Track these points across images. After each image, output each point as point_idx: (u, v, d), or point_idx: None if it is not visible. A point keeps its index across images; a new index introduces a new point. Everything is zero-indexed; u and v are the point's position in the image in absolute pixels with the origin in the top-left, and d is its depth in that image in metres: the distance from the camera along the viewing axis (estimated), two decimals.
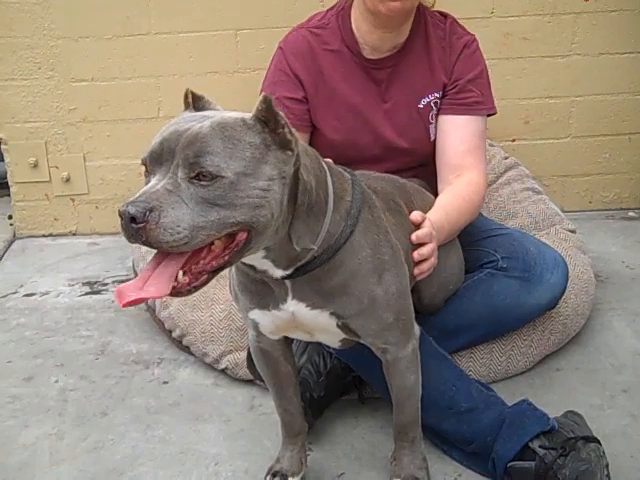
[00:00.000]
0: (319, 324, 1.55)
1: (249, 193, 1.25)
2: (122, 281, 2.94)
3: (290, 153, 1.31)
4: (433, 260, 1.81)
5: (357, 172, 1.72)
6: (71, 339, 2.55)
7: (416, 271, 1.79)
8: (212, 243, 1.28)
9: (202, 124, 1.27)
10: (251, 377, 2.19)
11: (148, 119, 3.25)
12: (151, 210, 1.19)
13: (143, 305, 2.65)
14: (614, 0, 3.11)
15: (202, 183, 1.22)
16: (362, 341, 1.63)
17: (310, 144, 2.16)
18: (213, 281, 2.36)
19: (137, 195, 1.22)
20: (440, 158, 2.17)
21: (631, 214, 3.41)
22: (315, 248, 1.43)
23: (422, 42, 2.16)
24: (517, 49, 3.17)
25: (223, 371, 2.30)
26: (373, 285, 1.52)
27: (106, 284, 2.96)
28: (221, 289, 2.33)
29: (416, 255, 1.76)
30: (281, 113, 1.30)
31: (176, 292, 1.27)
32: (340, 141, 2.15)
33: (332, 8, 2.23)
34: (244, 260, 1.40)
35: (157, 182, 1.24)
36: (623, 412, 2.06)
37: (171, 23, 3.13)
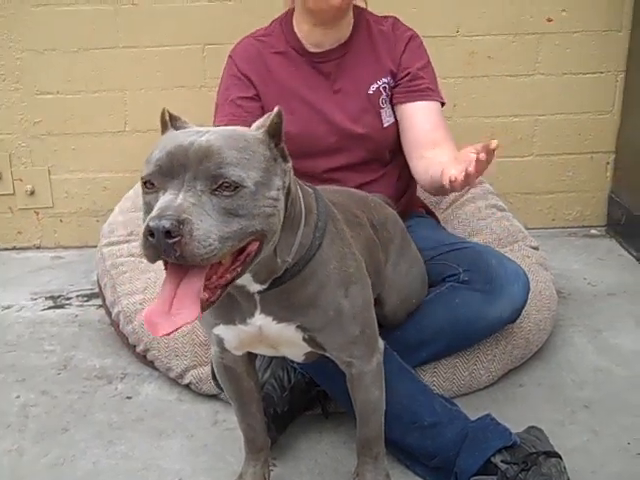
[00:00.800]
0: (285, 338, 1.55)
1: (264, 202, 1.27)
2: (86, 295, 2.93)
3: (289, 165, 1.37)
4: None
5: (320, 187, 1.74)
6: (33, 354, 2.52)
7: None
8: None
9: (207, 137, 1.26)
10: (215, 392, 2.19)
11: (114, 133, 3.24)
12: (183, 223, 1.17)
13: (107, 319, 2.63)
14: (577, 21, 3.16)
15: (225, 194, 1.22)
16: (327, 354, 1.63)
17: None
18: None
19: (159, 210, 1.19)
20: (408, 142, 2.25)
21: (593, 232, 3.46)
22: (289, 260, 1.43)
23: (365, 35, 2.28)
24: (482, 68, 3.21)
25: (187, 386, 2.28)
26: (340, 297, 1.53)
27: (70, 298, 2.94)
28: None
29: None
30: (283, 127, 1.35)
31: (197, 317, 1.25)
32: (296, 133, 2.16)
33: (274, 21, 2.36)
34: None
35: (174, 196, 1.21)
36: (584, 428, 2.08)
37: (138, 37, 3.13)
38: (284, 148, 1.36)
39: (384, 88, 2.27)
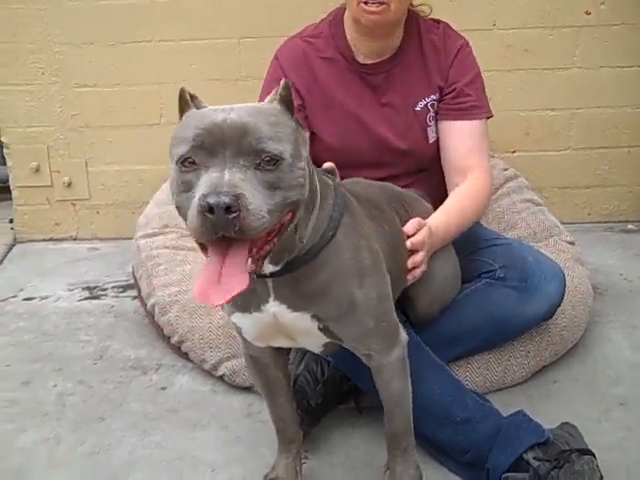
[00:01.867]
0: (301, 327, 1.55)
1: (298, 173, 1.31)
2: (122, 287, 2.97)
3: (307, 134, 1.37)
4: (424, 267, 1.87)
5: (349, 180, 1.75)
6: (70, 343, 2.56)
7: (409, 277, 1.85)
8: None
9: (237, 114, 1.28)
10: (249, 384, 2.21)
11: (150, 125, 3.26)
12: (239, 197, 1.20)
13: (142, 311, 2.66)
14: (615, 14, 3.12)
15: (267, 168, 1.26)
16: (345, 346, 1.64)
17: (310, 152, 2.20)
18: None
19: (211, 187, 1.21)
20: (445, 163, 2.21)
21: (630, 227, 3.42)
22: (304, 242, 1.45)
23: (416, 46, 2.19)
24: (518, 61, 3.18)
25: (221, 378, 2.31)
26: (353, 289, 1.53)
27: (105, 289, 2.97)
28: None
29: (410, 262, 1.82)
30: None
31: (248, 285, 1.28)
32: (338, 145, 2.16)
33: (325, 19, 2.26)
34: None
35: (220, 173, 1.24)
36: (619, 425, 2.07)
37: (174, 30, 3.15)
38: (299, 118, 1.40)
39: (432, 105, 2.20)
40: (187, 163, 1.28)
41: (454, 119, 2.18)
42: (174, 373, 2.39)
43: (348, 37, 2.18)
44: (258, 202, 1.23)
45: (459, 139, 2.17)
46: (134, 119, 3.26)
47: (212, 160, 1.26)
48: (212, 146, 1.25)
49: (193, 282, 2.43)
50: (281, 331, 1.58)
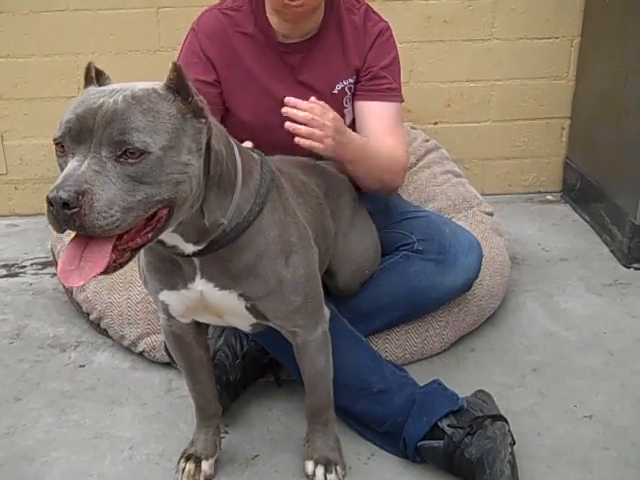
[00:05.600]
0: (228, 306, 1.55)
1: (173, 169, 1.23)
2: (40, 264, 2.91)
3: (204, 121, 1.30)
4: (320, 145, 1.86)
5: (272, 157, 1.73)
6: None
7: (295, 140, 1.85)
8: None
9: (114, 99, 1.23)
10: (168, 360, 2.19)
11: (67, 98, 3.17)
12: (83, 194, 1.15)
13: (61, 288, 2.61)
14: None
15: (129, 161, 1.19)
16: (271, 324, 1.64)
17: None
18: (130, 263, 2.36)
19: (62, 179, 1.17)
20: None
21: (549, 197, 3.49)
22: (225, 222, 1.42)
23: (335, 27, 2.15)
24: (438, 33, 3.20)
25: (141, 354, 2.29)
26: (280, 267, 1.53)
27: (24, 267, 2.91)
28: (138, 271, 2.31)
29: (288, 126, 1.84)
30: (190, 81, 1.29)
31: (107, 270, 1.24)
32: (254, 123, 2.13)
33: None
34: None
35: (79, 163, 1.19)
36: (532, 391, 2.12)
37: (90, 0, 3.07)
38: (197, 103, 1.29)
39: (349, 88, 2.17)
40: (59, 147, 1.25)
41: (369, 99, 2.16)
42: (93, 350, 2.36)
43: (268, 16, 2.13)
44: (110, 198, 1.17)
45: (375, 119, 2.14)
46: (50, 91, 3.17)
47: (78, 148, 1.21)
48: (79, 134, 1.21)
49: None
50: (209, 309, 1.58)
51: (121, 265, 1.27)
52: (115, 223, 1.18)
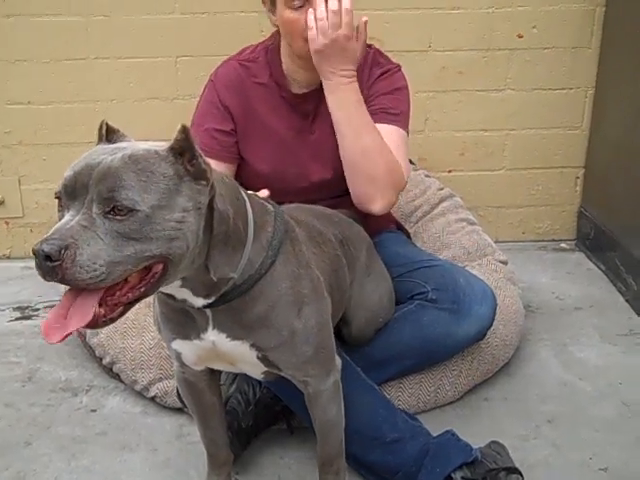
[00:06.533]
0: (240, 355, 1.55)
1: (164, 226, 1.24)
2: (53, 306, 2.90)
3: (204, 183, 1.30)
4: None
5: (288, 205, 1.74)
6: None
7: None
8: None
9: (114, 157, 1.25)
10: (180, 405, 2.18)
11: (86, 143, 3.19)
12: (66, 248, 1.17)
13: (75, 332, 2.61)
14: (547, 37, 3.19)
15: (117, 218, 1.21)
16: (283, 374, 1.63)
17: (238, 175, 2.19)
18: (144, 309, 2.37)
19: (51, 232, 1.19)
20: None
21: (563, 245, 3.49)
22: (235, 277, 1.43)
23: None
24: (453, 83, 3.23)
25: (152, 399, 2.28)
26: (292, 318, 1.53)
27: (37, 309, 2.92)
28: (151, 317, 2.31)
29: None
30: (196, 144, 1.29)
31: (93, 324, 1.25)
32: (267, 172, 2.16)
33: (262, 42, 2.25)
34: (162, 290, 1.39)
35: (71, 218, 1.22)
36: (547, 442, 2.10)
37: (110, 48, 3.12)
38: (200, 165, 1.30)
39: None
40: (59, 201, 1.28)
41: None
42: (105, 395, 2.35)
43: (284, 67, 2.17)
44: (94, 253, 1.19)
45: None
46: (69, 137, 3.20)
47: (73, 203, 1.24)
48: (75, 190, 1.24)
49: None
50: (220, 358, 1.58)
51: (112, 320, 1.28)
52: (99, 277, 1.19)
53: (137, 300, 1.30)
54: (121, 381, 2.37)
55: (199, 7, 3.09)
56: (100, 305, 1.25)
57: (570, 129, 3.34)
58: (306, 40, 2.01)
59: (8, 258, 3.39)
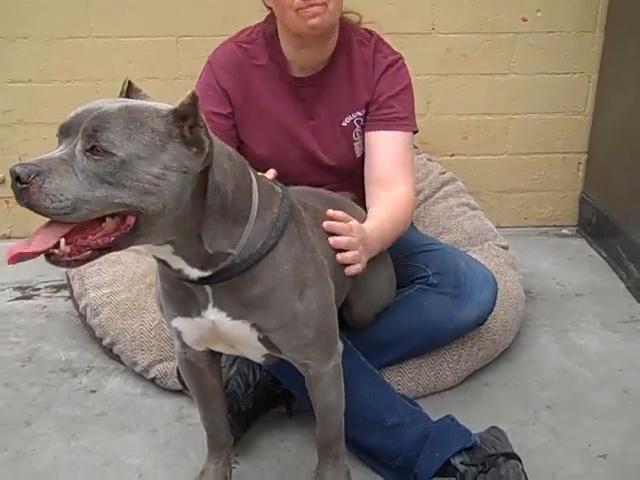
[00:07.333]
0: (240, 336, 1.54)
1: (140, 177, 1.24)
2: (55, 286, 2.92)
3: (196, 150, 1.30)
4: (360, 266, 1.80)
5: (296, 188, 1.73)
6: None
7: (346, 271, 1.79)
8: (103, 220, 1.27)
9: (113, 105, 1.27)
10: (180, 387, 2.18)
11: None
12: (38, 174, 1.19)
13: (75, 312, 2.61)
14: (552, 21, 3.17)
15: (94, 157, 1.22)
16: (283, 357, 1.63)
17: None
18: (144, 289, 2.36)
19: (35, 159, 1.23)
20: (367, 174, 2.15)
21: (565, 231, 3.48)
22: (234, 253, 1.42)
23: (346, 60, 2.15)
24: (456, 66, 3.21)
25: (152, 381, 2.28)
26: (294, 301, 1.52)
27: (38, 289, 2.92)
28: (152, 298, 2.31)
29: (339, 257, 1.75)
30: (202, 112, 1.29)
31: (55, 260, 1.25)
32: (267, 156, 2.14)
33: (261, 23, 2.20)
34: (156, 253, 1.40)
35: (58, 152, 1.25)
36: (546, 428, 2.10)
37: (111, 27, 3.10)
38: (200, 134, 1.30)
39: (358, 121, 2.17)
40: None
41: (377, 129, 2.14)
42: (105, 376, 2.35)
43: (283, 49, 2.14)
44: (63, 185, 1.21)
45: (381, 151, 2.12)
46: None
47: (65, 140, 1.27)
48: (70, 128, 1.27)
49: (119, 291, 2.44)
50: (221, 338, 1.57)
51: (76, 262, 1.28)
52: (63, 209, 1.21)
53: (107, 249, 1.30)
54: (121, 362, 2.37)
55: None
56: (69, 243, 1.26)
57: (573, 114, 3.32)
58: (297, 12, 1.97)
59: (9, 238, 3.39)
